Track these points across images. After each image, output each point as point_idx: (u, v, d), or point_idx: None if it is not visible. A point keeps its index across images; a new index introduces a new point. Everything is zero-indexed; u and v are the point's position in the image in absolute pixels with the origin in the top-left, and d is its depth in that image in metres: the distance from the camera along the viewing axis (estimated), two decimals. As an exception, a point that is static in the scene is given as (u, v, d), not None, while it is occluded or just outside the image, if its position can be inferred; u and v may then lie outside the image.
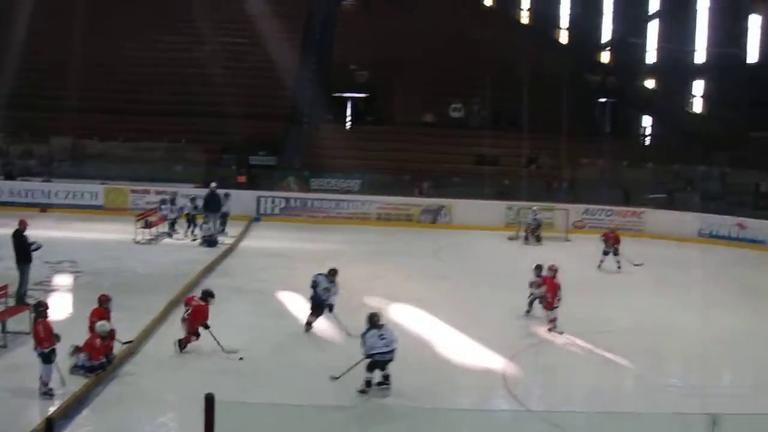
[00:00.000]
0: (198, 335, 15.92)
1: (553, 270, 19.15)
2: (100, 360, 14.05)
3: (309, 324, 18.01)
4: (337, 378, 14.40)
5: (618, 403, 14.33)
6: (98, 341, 14.19)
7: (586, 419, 12.69)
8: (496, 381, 15.08)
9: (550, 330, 18.51)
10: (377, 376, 14.30)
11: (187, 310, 16.31)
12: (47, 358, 13.20)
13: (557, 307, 18.49)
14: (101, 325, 14.49)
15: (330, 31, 48.10)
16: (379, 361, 14.21)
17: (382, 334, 14.43)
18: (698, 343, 18.60)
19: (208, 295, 16.49)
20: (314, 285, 17.90)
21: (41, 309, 13.84)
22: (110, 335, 14.63)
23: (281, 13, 45.26)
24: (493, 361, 16.17)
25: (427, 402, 13.47)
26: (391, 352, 14.28)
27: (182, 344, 15.80)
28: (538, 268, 19.78)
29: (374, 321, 14.62)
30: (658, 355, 17.65)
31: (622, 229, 32.61)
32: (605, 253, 27.02)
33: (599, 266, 27.04)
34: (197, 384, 10.67)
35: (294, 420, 11.23)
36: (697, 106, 48.18)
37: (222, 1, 47.45)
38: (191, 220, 29.55)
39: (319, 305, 17.86)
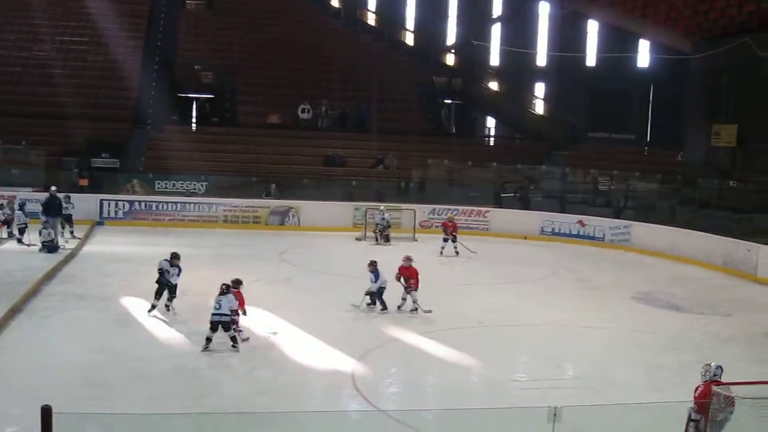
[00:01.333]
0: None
1: (409, 259, 21.13)
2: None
3: (153, 307, 19.21)
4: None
5: (465, 399, 14.54)
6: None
7: (435, 416, 12.86)
8: (345, 381, 15.06)
9: (414, 310, 20.29)
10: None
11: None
12: None
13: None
14: None
15: (174, 31, 47.37)
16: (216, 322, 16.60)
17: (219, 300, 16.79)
18: (540, 337, 19.19)
19: (238, 283, 18.02)
20: (160, 270, 19.21)
21: None
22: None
23: (123, 11, 44.39)
24: (342, 361, 16.16)
25: (277, 405, 13.37)
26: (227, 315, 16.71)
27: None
28: (372, 264, 20.71)
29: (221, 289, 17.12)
30: (503, 349, 18.03)
31: (468, 229, 33.57)
32: (444, 240, 29.75)
33: (441, 253, 29.15)
34: (40, 396, 10.26)
35: (139, 429, 10.98)
36: (539, 107, 49.60)
37: (61, -1, 46.04)
38: (26, 226, 28.26)
39: (162, 286, 19.23)
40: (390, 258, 23.98)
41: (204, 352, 16.33)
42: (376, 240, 31.96)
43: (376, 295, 20.54)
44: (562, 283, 25.82)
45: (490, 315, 20.69)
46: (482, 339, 18.60)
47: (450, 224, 30.46)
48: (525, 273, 27.26)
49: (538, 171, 40.50)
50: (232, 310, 16.89)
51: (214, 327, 16.59)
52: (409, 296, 20.63)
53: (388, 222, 32.31)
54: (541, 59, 49.53)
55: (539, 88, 50.65)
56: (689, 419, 10.99)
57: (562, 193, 38.78)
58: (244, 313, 17.71)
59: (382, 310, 20.42)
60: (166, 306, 19.42)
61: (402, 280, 20.83)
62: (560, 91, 47.84)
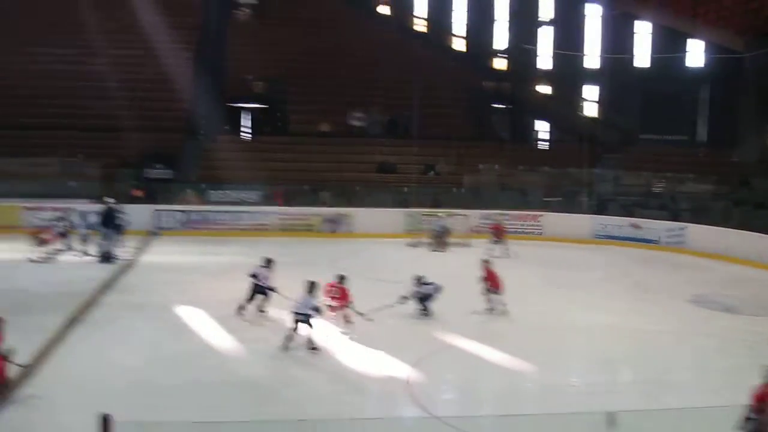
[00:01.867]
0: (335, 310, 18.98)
1: (486, 263, 21.70)
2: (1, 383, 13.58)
3: (242, 308, 20.10)
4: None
5: (520, 405, 14.52)
6: (3, 363, 13.72)
7: (491, 422, 12.83)
8: (400, 387, 15.06)
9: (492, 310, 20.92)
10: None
11: (332, 293, 19.28)
12: None
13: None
14: (6, 347, 14.05)
15: (224, 42, 47.72)
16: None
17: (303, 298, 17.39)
18: (596, 342, 19.02)
19: (343, 279, 19.61)
20: (253, 275, 20.10)
21: None
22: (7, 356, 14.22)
23: (174, 24, 44.68)
24: (397, 368, 16.17)
25: (333, 412, 13.42)
26: (305, 314, 17.11)
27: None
28: (417, 278, 20.73)
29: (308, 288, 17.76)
30: (558, 355, 17.93)
31: (521, 233, 33.52)
32: (494, 243, 30.47)
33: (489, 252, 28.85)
34: (98, 404, 10.41)
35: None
36: (590, 110, 49.24)
37: (113, 13, 46.54)
38: (85, 238, 28.78)
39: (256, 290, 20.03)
40: (448, 264, 24.09)
41: (273, 359, 16.45)
42: (434, 246, 31.94)
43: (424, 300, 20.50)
44: (616, 287, 25.61)
45: (544, 319, 20.62)
46: (537, 344, 18.50)
47: (497, 227, 31.41)
48: (579, 277, 27.08)
49: (590, 174, 40.21)
50: (313, 308, 17.35)
51: (295, 322, 17.17)
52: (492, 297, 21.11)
53: (445, 228, 32.29)
54: (592, 61, 49.14)
55: (590, 91, 50.23)
56: (746, 418, 10.84)
57: (615, 196, 38.49)
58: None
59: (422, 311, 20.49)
60: (261, 310, 20.21)
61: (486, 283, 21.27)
62: (611, 94, 47.41)
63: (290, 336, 17.18)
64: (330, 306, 19.05)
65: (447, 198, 37.01)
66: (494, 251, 29.62)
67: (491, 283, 21.13)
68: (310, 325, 17.23)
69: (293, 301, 17.62)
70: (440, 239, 32.04)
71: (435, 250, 31.67)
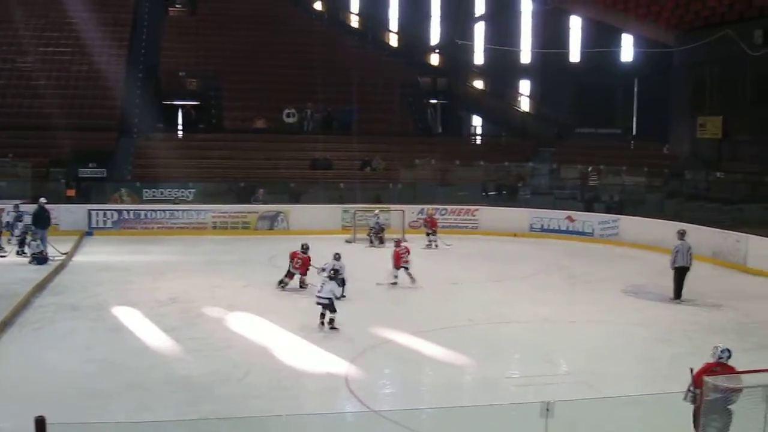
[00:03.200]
0: (292, 276, 22.99)
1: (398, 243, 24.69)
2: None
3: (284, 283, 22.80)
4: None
5: (460, 397, 14.64)
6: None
7: (430, 416, 12.89)
8: (339, 383, 15.08)
9: (394, 283, 23.57)
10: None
11: (296, 262, 22.80)
12: None
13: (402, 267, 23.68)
14: None
15: (157, 39, 47.26)
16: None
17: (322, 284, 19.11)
18: (532, 333, 19.20)
19: (307, 249, 23.03)
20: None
21: None
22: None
23: (106, 20, 44.29)
24: (335, 363, 16.18)
25: (271, 408, 13.38)
26: (327, 298, 18.73)
27: (283, 282, 22.96)
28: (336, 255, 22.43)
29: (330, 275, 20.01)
30: (495, 347, 18.09)
31: (457, 227, 33.79)
32: (427, 234, 31.71)
33: (427, 246, 31.12)
34: (32, 408, 10.23)
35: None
36: (525, 104, 49.71)
37: (43, 8, 45.84)
38: (21, 239, 28.21)
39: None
40: (385, 258, 24.26)
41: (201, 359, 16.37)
42: (371, 242, 31.97)
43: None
44: (552, 279, 25.89)
45: (481, 313, 20.74)
46: (474, 337, 18.65)
47: (429, 220, 32.18)
48: (515, 270, 27.31)
49: (525, 168, 40.60)
50: (333, 294, 18.98)
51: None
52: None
53: (381, 225, 32.38)
54: (525, 56, 49.70)
55: (524, 86, 50.80)
56: (688, 390, 11.05)
57: (550, 190, 38.90)
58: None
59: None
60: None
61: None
62: (545, 88, 48.01)
63: (323, 315, 18.79)
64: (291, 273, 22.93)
65: (384, 193, 37.04)
66: (430, 244, 31.01)
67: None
68: (333, 309, 18.63)
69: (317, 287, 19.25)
70: (377, 235, 32.10)
71: (371, 246, 31.71)
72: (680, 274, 22.53)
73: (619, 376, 15.72)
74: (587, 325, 20.01)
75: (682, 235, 22.90)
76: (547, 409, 8.84)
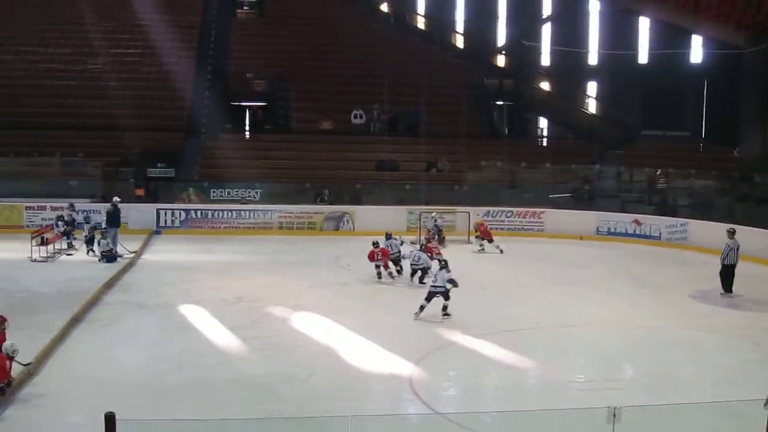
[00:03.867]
0: (387, 267, 25.04)
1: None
2: (2, 383, 13.57)
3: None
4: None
5: (524, 401, 14.49)
6: (8, 363, 13.70)
7: (494, 419, 12.82)
8: (403, 385, 15.08)
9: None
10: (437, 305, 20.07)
11: (379, 258, 24.90)
12: None
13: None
14: (11, 345, 14.05)
15: (226, 41, 47.74)
16: (433, 292, 20.03)
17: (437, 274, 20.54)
18: (598, 338, 19.00)
19: (377, 243, 25.19)
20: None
21: None
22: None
23: (175, 23, 44.76)
24: (400, 365, 16.17)
25: (335, 409, 13.42)
26: (443, 287, 19.97)
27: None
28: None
29: (442, 265, 20.87)
30: (560, 351, 17.89)
31: (523, 230, 33.61)
32: (478, 238, 31.45)
33: (480, 250, 30.82)
34: (100, 403, 10.40)
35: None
36: (592, 106, 49.22)
37: (114, 11, 46.57)
38: (90, 238, 28.72)
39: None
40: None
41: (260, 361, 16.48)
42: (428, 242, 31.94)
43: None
44: (619, 283, 25.56)
45: (546, 316, 20.59)
46: (539, 341, 18.50)
47: (482, 227, 31.45)
48: (581, 273, 27.05)
49: (592, 170, 40.20)
50: (449, 281, 20.05)
51: (429, 297, 19.88)
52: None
53: (440, 228, 32.30)
54: (593, 58, 49.21)
55: (591, 87, 50.28)
56: None
57: (617, 193, 38.47)
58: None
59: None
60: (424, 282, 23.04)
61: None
62: (613, 90, 47.42)
63: (423, 306, 19.82)
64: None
65: (449, 195, 36.95)
66: (485, 249, 30.67)
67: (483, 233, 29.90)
68: (447, 297, 19.87)
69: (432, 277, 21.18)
70: (437, 238, 32.07)
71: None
72: (732, 270, 23.40)
73: (686, 383, 15.49)
74: (653, 329, 19.71)
75: (732, 234, 23.85)
76: (614, 415, 8.72)
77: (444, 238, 32.01)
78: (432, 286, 20.24)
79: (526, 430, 11.41)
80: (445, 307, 19.93)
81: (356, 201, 36.66)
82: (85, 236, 28.68)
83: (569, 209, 36.17)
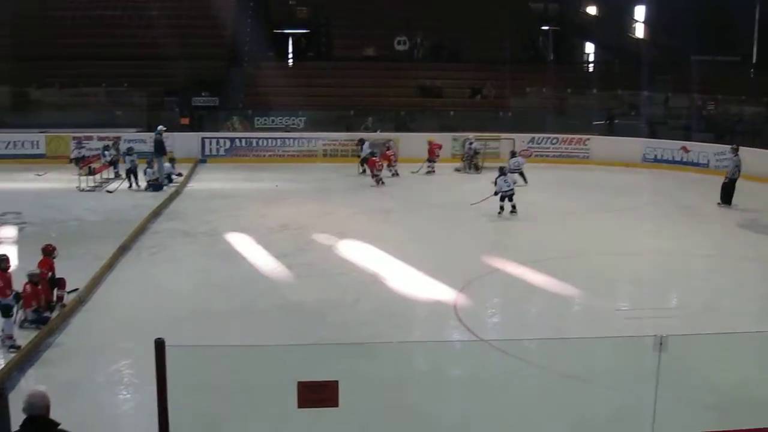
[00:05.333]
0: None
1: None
2: (33, 307, 13.73)
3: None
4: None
5: (568, 328, 14.48)
6: (28, 287, 13.72)
7: (538, 345, 12.85)
8: (447, 311, 15.14)
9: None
10: (507, 206, 23.10)
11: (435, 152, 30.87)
12: (7, 310, 12.96)
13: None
14: (33, 270, 14.09)
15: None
16: (506, 194, 22.95)
17: (506, 179, 23.12)
18: (642, 266, 18.92)
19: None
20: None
21: (2, 261, 13.54)
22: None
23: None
24: (444, 292, 16.20)
25: (380, 335, 13.52)
26: (511, 189, 23.04)
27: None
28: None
29: (502, 170, 23.59)
30: (606, 279, 17.86)
31: (567, 157, 33.32)
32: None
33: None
34: (150, 330, 10.58)
35: (248, 360, 11.26)
36: (639, 31, 48.30)
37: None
38: (133, 169, 28.31)
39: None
40: (476, 186, 24.19)
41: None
42: (466, 169, 31.88)
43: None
44: (665, 211, 25.33)
45: (591, 244, 20.53)
46: (584, 268, 18.43)
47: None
48: (627, 201, 26.84)
49: (639, 97, 39.61)
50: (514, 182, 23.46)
51: (503, 198, 22.95)
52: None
53: (476, 150, 32.14)
54: (641, -19, 48.22)
55: (639, 11, 49.31)
56: None
57: (665, 119, 37.93)
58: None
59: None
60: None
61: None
62: (661, 13, 46.41)
63: (502, 208, 22.90)
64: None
65: (493, 122, 36.69)
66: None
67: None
68: (512, 199, 23.06)
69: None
70: (471, 162, 31.99)
71: (465, 172, 31.66)
72: (734, 184, 25.66)
73: (734, 312, 15.34)
74: (700, 258, 19.57)
75: (735, 151, 26.22)
76: (661, 343, 8.66)
77: (478, 163, 31.93)
78: (504, 190, 23.05)
79: (570, 357, 11.44)
80: (514, 206, 23.12)
81: (400, 128, 36.51)
82: (128, 169, 28.37)
83: (615, 136, 35.78)
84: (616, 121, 37.80)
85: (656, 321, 14.17)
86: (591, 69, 50.89)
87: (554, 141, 34.84)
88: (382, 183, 28.96)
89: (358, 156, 32.27)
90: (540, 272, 17.65)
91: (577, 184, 29.70)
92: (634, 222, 23.53)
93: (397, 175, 30.68)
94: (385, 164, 30.23)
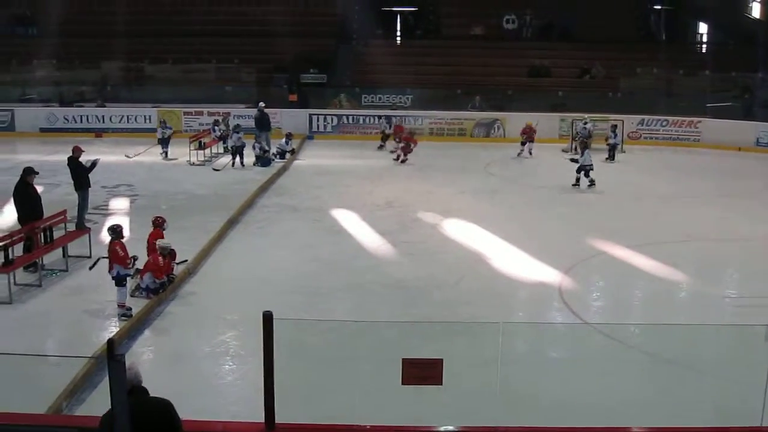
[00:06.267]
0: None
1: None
2: (162, 279, 14.26)
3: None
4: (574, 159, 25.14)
5: (674, 314, 14.25)
6: (161, 259, 14.39)
7: (643, 330, 12.70)
8: (552, 293, 15.07)
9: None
10: (586, 181, 24.40)
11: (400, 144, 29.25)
12: (122, 280, 13.42)
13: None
14: (162, 242, 14.75)
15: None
16: (587, 168, 24.32)
17: (589, 155, 24.56)
18: (753, 253, 18.42)
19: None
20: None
21: (118, 230, 14.03)
22: (171, 254, 14.87)
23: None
24: (549, 274, 16.13)
25: (483, 315, 13.53)
26: (591, 164, 24.39)
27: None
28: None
29: (586, 145, 25.56)
30: (714, 265, 17.51)
31: (678, 140, 32.63)
32: (522, 144, 31.11)
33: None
34: (256, 303, 10.81)
35: (352, 335, 11.42)
36: (756, 10, 46.87)
37: None
38: (239, 149, 28.02)
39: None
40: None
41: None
42: (575, 150, 31.35)
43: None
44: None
45: (700, 229, 20.12)
46: (693, 254, 18.10)
47: (527, 129, 31.24)
48: (739, 186, 26.19)
49: (754, 79, 38.49)
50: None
51: (582, 170, 24.49)
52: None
53: (590, 132, 31.66)
54: (760, -41, 46.70)
55: (756, -10, 47.86)
56: None
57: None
58: None
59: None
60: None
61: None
62: (780, -7, 45.01)
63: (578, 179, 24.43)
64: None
65: (603, 102, 36.09)
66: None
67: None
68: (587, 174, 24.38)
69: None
70: (583, 143, 31.45)
71: (575, 154, 31.15)
72: None
73: None
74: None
75: None
76: (770, 334, 8.46)
77: (589, 143, 31.43)
78: (585, 164, 24.35)
79: (676, 344, 11.27)
80: (592, 180, 24.29)
81: (508, 107, 36.26)
82: (233, 147, 28.23)
83: (728, 119, 34.85)
84: (732, 103, 36.67)
85: (765, 310, 13.83)
86: (704, 49, 49.63)
87: (664, 123, 34.16)
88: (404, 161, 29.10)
89: (383, 132, 32.76)
90: (646, 256, 17.40)
91: (687, 168, 29.10)
92: (747, 208, 22.90)
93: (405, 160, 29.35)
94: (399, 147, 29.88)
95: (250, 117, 31.64)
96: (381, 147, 31.89)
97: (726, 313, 14.27)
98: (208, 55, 38.83)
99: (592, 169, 24.46)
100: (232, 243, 18.30)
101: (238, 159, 27.99)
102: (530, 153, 30.65)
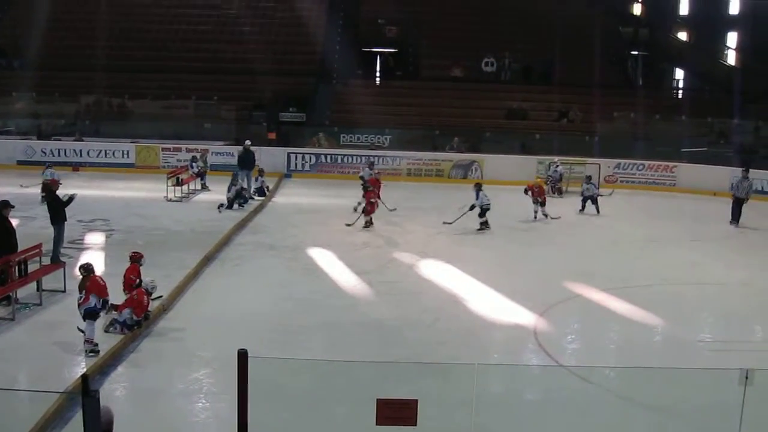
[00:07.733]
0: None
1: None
2: (140, 318, 14.20)
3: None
4: (449, 223, 24.40)
5: (648, 358, 14.28)
6: (146, 298, 14.37)
7: (618, 374, 12.72)
8: (527, 335, 15.08)
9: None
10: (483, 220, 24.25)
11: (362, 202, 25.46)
12: (95, 314, 13.31)
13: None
14: (151, 281, 14.81)
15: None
16: (485, 209, 24.15)
17: (485, 194, 24.26)
18: (727, 297, 18.56)
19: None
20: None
21: (90, 268, 14.12)
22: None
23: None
24: (524, 315, 16.15)
25: (458, 356, 13.52)
26: (489, 204, 24.20)
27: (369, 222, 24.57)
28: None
29: (479, 187, 24.65)
30: (689, 309, 17.58)
31: (654, 184, 32.86)
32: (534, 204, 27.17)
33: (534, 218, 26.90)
34: (231, 340, 10.75)
35: (327, 375, 11.37)
36: (731, 58, 47.51)
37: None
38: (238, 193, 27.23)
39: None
40: (558, 210, 23.99)
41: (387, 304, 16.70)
42: (549, 192, 31.43)
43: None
44: (752, 242, 24.86)
45: (675, 273, 20.21)
46: (668, 297, 18.16)
47: (536, 189, 27.44)
48: (713, 230, 26.34)
49: (729, 125, 38.88)
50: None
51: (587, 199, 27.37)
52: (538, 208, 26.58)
53: (561, 174, 31.87)
54: (734, 6, 47.40)
55: (732, 38, 48.51)
56: None
57: (756, 148, 37.16)
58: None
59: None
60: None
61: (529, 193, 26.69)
62: (755, 40, 45.63)
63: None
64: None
65: (579, 146, 36.32)
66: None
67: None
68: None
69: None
70: (554, 186, 31.67)
71: (550, 196, 31.24)
72: (741, 203, 27.06)
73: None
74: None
75: (746, 172, 27.97)
76: (747, 377, 8.49)
77: (561, 187, 31.67)
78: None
79: (651, 387, 11.29)
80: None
81: (486, 149, 36.43)
82: (236, 189, 27.25)
83: (703, 164, 35.14)
84: (707, 149, 37.03)
85: (741, 354, 13.90)
86: (681, 95, 50.19)
87: (640, 167, 34.41)
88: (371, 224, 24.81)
89: (362, 178, 28.30)
90: (622, 300, 17.47)
91: (662, 212, 29.27)
92: (721, 252, 23.07)
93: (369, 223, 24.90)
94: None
95: (229, 154, 31.68)
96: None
97: (700, 357, 14.31)
98: (187, 92, 38.89)
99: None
100: (207, 280, 18.22)
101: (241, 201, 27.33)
102: (545, 216, 26.68)
